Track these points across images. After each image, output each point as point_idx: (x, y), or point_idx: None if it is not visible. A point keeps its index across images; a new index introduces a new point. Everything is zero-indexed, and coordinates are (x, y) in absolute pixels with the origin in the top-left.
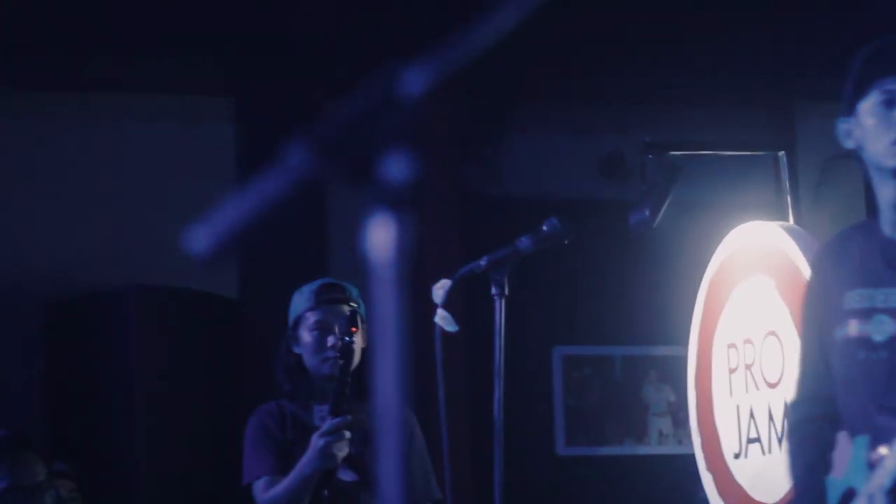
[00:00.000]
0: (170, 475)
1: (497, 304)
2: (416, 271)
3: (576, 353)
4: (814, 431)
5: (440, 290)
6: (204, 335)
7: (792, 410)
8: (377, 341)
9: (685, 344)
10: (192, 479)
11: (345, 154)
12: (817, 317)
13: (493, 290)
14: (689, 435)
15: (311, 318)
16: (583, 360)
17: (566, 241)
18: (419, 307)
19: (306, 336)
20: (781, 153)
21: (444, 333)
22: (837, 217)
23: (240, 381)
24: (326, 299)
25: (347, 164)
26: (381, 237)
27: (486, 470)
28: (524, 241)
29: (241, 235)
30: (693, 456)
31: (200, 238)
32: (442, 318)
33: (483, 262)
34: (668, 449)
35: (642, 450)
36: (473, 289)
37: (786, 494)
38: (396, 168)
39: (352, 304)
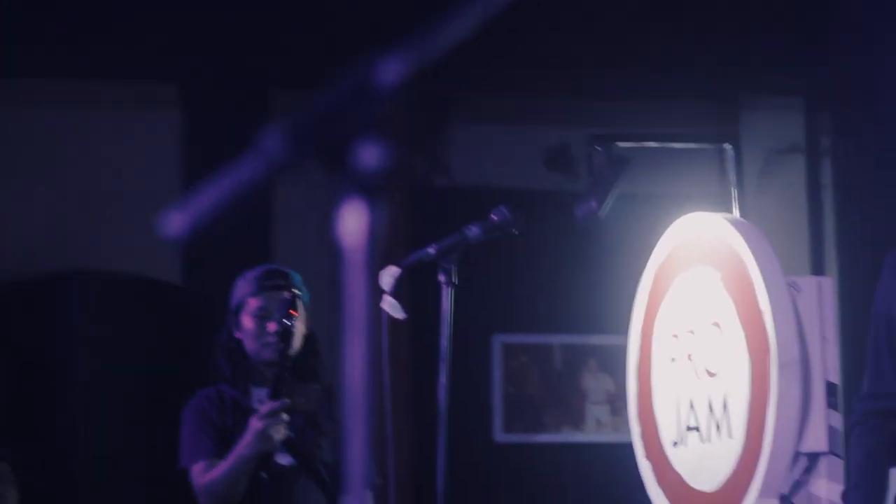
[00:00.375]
0: (111, 461)
1: (445, 292)
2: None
3: (515, 342)
4: (876, 426)
5: (388, 277)
6: (147, 321)
7: (856, 405)
8: (345, 326)
9: (625, 333)
10: (134, 465)
11: (314, 141)
12: (887, 315)
13: (441, 278)
14: (626, 424)
15: (254, 304)
16: (522, 349)
17: (515, 231)
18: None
19: (248, 322)
20: (728, 146)
21: (391, 320)
22: (780, 209)
23: (183, 367)
24: (269, 286)
25: (317, 152)
26: (350, 223)
27: (426, 455)
28: (473, 230)
29: (208, 221)
30: (630, 445)
31: (176, 223)
32: (389, 304)
33: (432, 249)
34: (606, 437)
35: (580, 437)
36: (415, 276)
37: (723, 483)
38: (366, 156)
39: (293, 290)
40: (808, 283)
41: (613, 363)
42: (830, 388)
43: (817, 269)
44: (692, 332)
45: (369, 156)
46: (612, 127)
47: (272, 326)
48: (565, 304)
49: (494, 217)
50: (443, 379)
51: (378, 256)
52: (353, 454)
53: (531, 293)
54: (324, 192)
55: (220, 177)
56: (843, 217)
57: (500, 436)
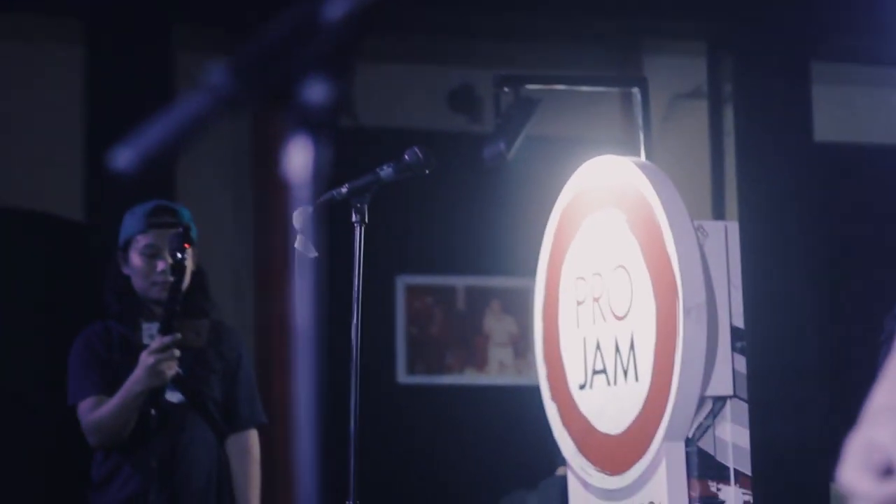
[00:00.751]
0: (10, 397)
1: (357, 232)
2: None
3: (419, 283)
4: None
5: (301, 216)
6: (48, 257)
7: (887, 324)
8: (294, 263)
9: (529, 275)
10: (32, 404)
11: (257, 78)
12: None
13: (354, 218)
14: (529, 366)
15: (142, 241)
16: (426, 290)
17: (427, 171)
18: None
19: (136, 259)
20: (636, 90)
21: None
22: (683, 154)
23: (84, 304)
24: (157, 223)
25: (259, 88)
26: (294, 159)
27: (330, 396)
28: (385, 170)
29: (164, 154)
30: (533, 387)
31: (126, 156)
32: (302, 243)
33: (344, 189)
34: (508, 379)
35: (482, 380)
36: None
37: (629, 426)
38: (309, 93)
39: (183, 226)
40: (715, 227)
41: (517, 305)
42: (736, 332)
43: (719, 213)
44: (599, 274)
45: (312, 93)
46: (515, 68)
47: (161, 265)
48: (469, 245)
49: (407, 157)
50: (355, 319)
51: (315, 193)
52: (302, 390)
53: (435, 234)
54: (228, 129)
55: (167, 112)
56: (744, 162)
57: (402, 377)
